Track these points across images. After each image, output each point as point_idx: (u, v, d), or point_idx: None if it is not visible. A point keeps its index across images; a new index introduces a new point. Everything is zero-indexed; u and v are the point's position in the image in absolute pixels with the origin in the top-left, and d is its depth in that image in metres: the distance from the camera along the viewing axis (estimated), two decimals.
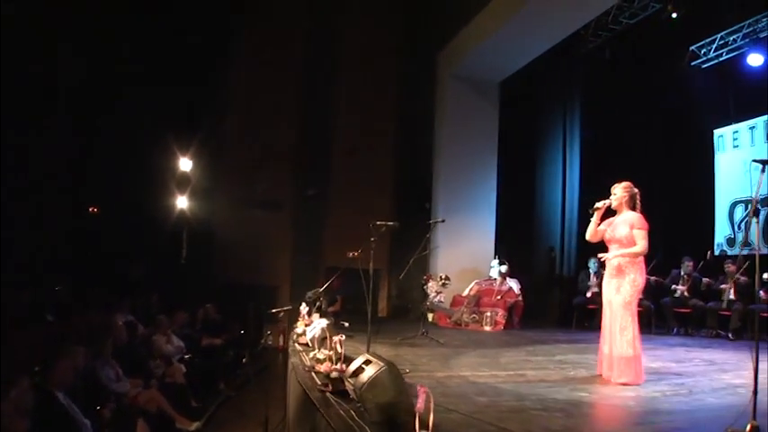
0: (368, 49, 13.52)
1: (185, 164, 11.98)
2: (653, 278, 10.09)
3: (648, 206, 10.70)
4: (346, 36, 13.51)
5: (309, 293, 10.77)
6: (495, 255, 10.96)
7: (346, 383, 3.91)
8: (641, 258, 5.24)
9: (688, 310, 9.51)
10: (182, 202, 12.06)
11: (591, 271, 10.54)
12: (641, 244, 5.14)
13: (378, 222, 5.82)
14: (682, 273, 9.74)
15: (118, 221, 11.38)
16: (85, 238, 11.05)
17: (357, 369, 3.67)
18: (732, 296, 9.11)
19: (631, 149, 11.20)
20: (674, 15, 9.61)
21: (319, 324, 5.69)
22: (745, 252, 9.03)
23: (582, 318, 10.39)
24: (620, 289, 5.16)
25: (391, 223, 5.77)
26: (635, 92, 11.25)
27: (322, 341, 5.15)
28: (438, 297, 10.95)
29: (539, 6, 8.97)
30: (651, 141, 11.23)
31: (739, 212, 10.54)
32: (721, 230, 10.80)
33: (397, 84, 13.67)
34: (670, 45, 10.94)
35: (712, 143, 11.21)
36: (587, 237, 5.59)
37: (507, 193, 11.77)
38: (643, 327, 9.57)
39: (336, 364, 4.30)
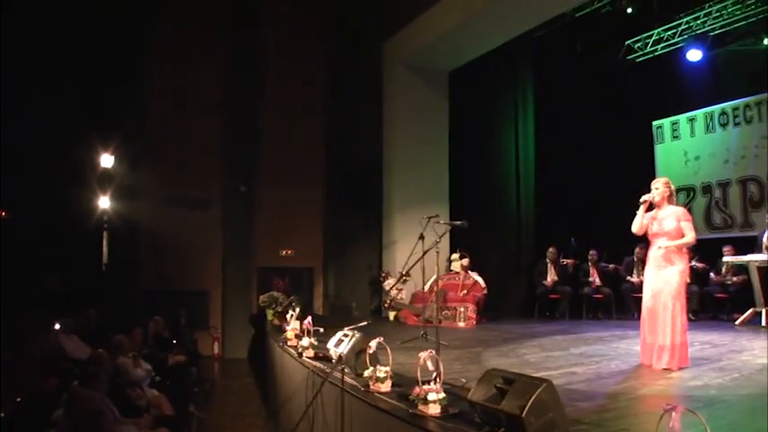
0: (296, 39, 12.88)
1: (107, 160, 10.73)
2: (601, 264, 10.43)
3: (595, 194, 11.11)
4: (273, 26, 12.79)
5: (263, 297, 10.09)
6: (455, 248, 10.67)
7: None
8: (686, 249, 5.48)
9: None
10: (104, 203, 10.80)
11: (548, 260, 10.61)
12: (690, 235, 5.31)
13: (441, 222, 5.26)
14: (635, 260, 10.04)
15: (30, 225, 9.98)
16: None
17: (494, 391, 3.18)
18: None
19: (580, 139, 11.36)
20: (629, 11, 9.77)
21: (352, 335, 5.05)
22: None
23: (544, 308, 10.41)
24: (669, 279, 5.23)
25: (458, 222, 5.21)
26: (579, 82, 11.42)
27: (373, 357, 4.53)
28: (399, 294, 10.56)
29: (496, 6, 8.93)
30: (597, 132, 11.41)
31: (681, 200, 10.99)
32: None
33: (330, 74, 13.11)
34: (612, 38, 11.20)
35: (651, 134, 11.64)
36: (634, 230, 5.57)
37: (460, 184, 11.53)
38: (607, 313, 10.05)
39: (431, 383, 3.71)
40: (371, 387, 4.29)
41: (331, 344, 5.32)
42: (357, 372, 4.72)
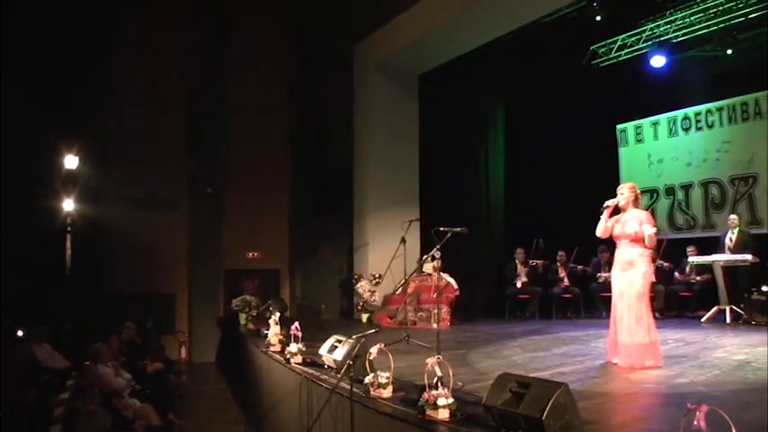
0: (264, 39, 12.78)
1: (71, 161, 10.41)
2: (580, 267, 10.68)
3: (562, 196, 11.32)
4: (241, 26, 12.65)
5: (236, 301, 9.96)
6: (427, 250, 10.71)
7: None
8: (651, 252, 5.60)
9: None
10: (68, 205, 10.48)
11: (517, 261, 10.77)
12: (652, 238, 5.46)
13: (441, 228, 5.28)
14: (602, 262, 10.31)
15: None
16: None
17: (510, 394, 3.24)
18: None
19: (548, 142, 11.58)
20: (599, 18, 9.98)
21: (345, 342, 5.04)
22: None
23: (514, 308, 10.57)
24: (633, 282, 5.40)
25: (458, 229, 5.24)
26: (547, 86, 11.62)
27: (371, 362, 4.52)
28: (372, 297, 10.57)
29: (470, 12, 9.01)
30: (564, 134, 11.62)
31: (645, 201, 11.31)
32: None
33: (298, 75, 13.02)
34: (578, 43, 11.41)
35: (615, 137, 11.95)
36: (598, 234, 5.73)
37: (430, 187, 11.59)
38: (576, 312, 10.27)
39: (438, 389, 3.74)
40: (372, 393, 4.29)
41: (324, 350, 5.32)
42: (354, 378, 4.72)
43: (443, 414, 3.63)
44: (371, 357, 4.41)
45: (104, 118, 11.40)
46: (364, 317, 10.48)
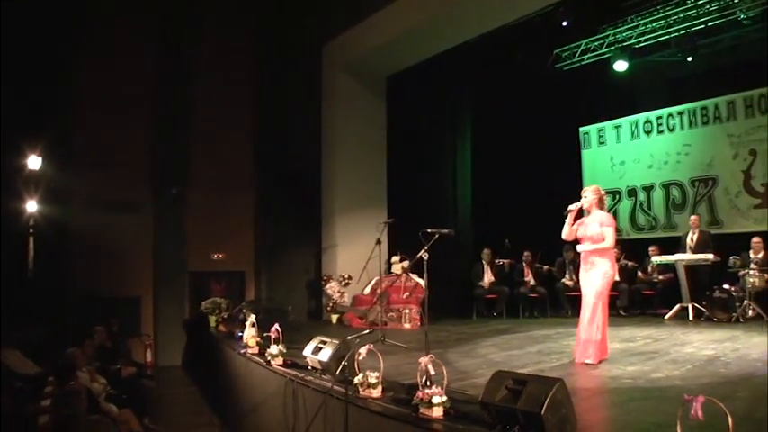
0: (228, 40, 12.65)
1: (34, 162, 10.13)
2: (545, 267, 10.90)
3: (527, 197, 11.53)
4: (204, 24, 12.49)
5: (206, 303, 9.87)
6: (396, 251, 10.79)
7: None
8: (612, 253, 5.80)
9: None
10: (31, 206, 10.18)
11: (484, 261, 10.93)
12: (609, 240, 5.67)
13: (429, 230, 5.35)
14: (566, 262, 10.56)
15: None
16: None
17: (508, 391, 3.32)
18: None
19: (514, 144, 11.78)
20: (565, 24, 10.22)
21: (330, 342, 5.07)
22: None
23: (481, 308, 10.71)
24: (593, 281, 5.63)
25: (446, 231, 5.32)
26: (513, 88, 11.82)
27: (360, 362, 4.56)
28: (342, 298, 10.60)
29: (440, 16, 9.13)
30: (529, 136, 11.82)
31: (608, 202, 11.61)
32: None
33: (263, 75, 12.93)
34: (542, 47, 11.67)
35: (578, 139, 12.25)
36: (563, 236, 5.91)
37: (398, 188, 11.67)
38: (542, 312, 10.48)
39: (429, 387, 3.81)
40: (362, 393, 4.33)
41: (308, 351, 5.32)
42: (339, 378, 4.76)
43: (438, 412, 3.70)
44: (360, 358, 4.45)
45: (68, 118, 11.11)
46: (334, 318, 10.51)
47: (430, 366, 3.95)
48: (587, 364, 5.41)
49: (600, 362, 5.45)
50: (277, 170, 12.61)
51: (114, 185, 11.50)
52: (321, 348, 5.11)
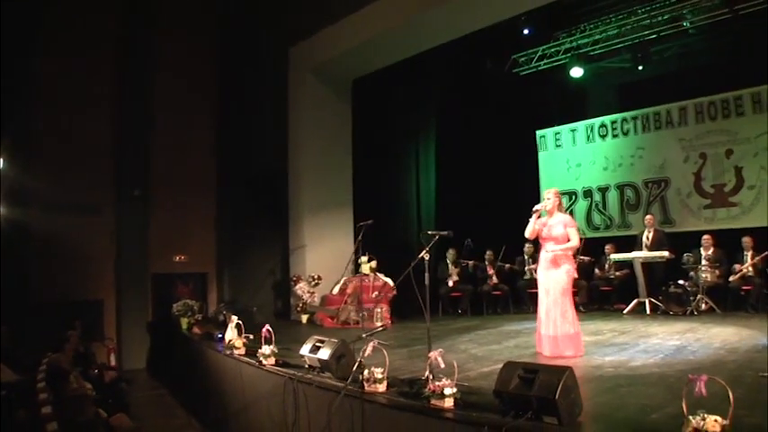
0: (191, 40, 12.60)
1: None
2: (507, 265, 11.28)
3: (488, 197, 11.90)
4: (167, 23, 12.39)
5: (177, 305, 9.83)
6: (364, 252, 10.95)
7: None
8: (572, 252, 6.27)
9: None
10: None
11: (448, 261, 11.23)
12: (575, 240, 6.13)
13: (430, 232, 5.58)
14: (526, 257, 11.01)
15: None
16: None
17: (519, 379, 3.59)
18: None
19: (475, 146, 12.16)
20: (526, 32, 10.62)
21: (328, 341, 5.24)
22: None
23: (447, 306, 11.01)
24: (558, 279, 6.03)
25: (445, 233, 5.55)
26: (474, 92, 12.20)
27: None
28: (312, 298, 10.71)
29: (412, 22, 9.31)
30: (490, 139, 12.22)
31: (564, 203, 12.12)
32: None
33: (227, 76, 12.92)
34: (501, 52, 12.07)
35: (535, 142, 12.73)
36: (526, 235, 6.32)
37: (364, 190, 11.84)
38: (505, 308, 10.86)
39: (440, 380, 4.04)
40: (368, 388, 4.52)
41: (305, 350, 5.47)
42: (339, 375, 4.93)
43: (449, 403, 3.93)
44: (366, 354, 4.63)
45: (28, 118, 10.86)
46: (304, 318, 10.62)
47: (440, 360, 4.20)
48: (567, 357, 5.71)
49: (579, 356, 5.78)
50: (241, 171, 12.63)
51: (75, 187, 11.29)
52: (320, 347, 5.26)
